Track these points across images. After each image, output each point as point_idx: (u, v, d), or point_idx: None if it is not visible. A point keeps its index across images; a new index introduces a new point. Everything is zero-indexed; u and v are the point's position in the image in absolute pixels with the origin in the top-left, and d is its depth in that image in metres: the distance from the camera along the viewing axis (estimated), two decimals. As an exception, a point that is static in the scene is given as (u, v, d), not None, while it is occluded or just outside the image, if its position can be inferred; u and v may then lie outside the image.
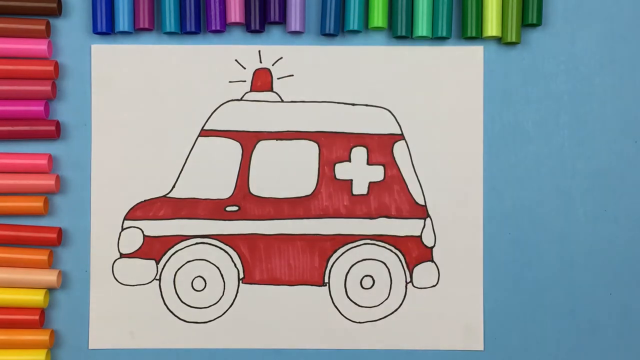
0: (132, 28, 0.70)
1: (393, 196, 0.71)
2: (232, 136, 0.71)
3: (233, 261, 0.71)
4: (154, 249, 0.71)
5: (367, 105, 0.72)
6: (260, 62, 0.71)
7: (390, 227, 0.71)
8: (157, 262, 0.71)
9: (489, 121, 0.72)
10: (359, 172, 0.72)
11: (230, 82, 0.71)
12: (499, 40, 0.71)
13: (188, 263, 0.71)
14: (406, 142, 0.72)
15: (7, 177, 0.70)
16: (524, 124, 0.72)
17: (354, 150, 0.72)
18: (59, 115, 0.71)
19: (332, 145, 0.72)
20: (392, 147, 0.72)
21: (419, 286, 0.72)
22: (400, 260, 0.72)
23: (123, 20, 0.69)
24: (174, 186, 0.71)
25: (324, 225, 0.71)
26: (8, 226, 0.70)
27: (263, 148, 0.71)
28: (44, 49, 0.69)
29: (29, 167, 0.70)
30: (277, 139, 0.71)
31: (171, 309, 0.71)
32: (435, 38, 0.71)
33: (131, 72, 0.71)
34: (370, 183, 0.72)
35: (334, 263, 0.71)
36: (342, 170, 0.72)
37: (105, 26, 0.70)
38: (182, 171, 0.71)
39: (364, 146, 0.72)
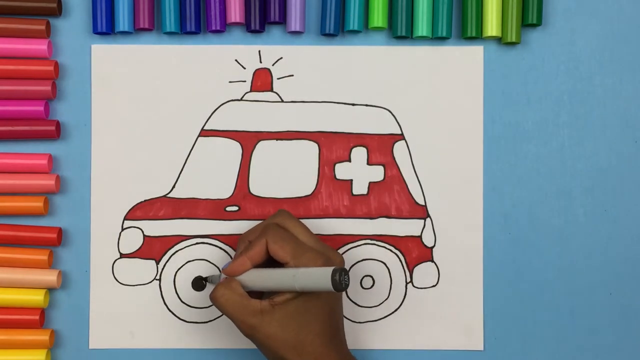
0: (132, 28, 0.70)
1: (393, 196, 0.71)
2: (232, 136, 0.71)
3: (233, 261, 0.71)
4: (154, 249, 0.71)
5: (367, 105, 0.72)
6: (260, 62, 0.71)
7: (390, 227, 0.71)
8: (157, 262, 0.71)
9: (489, 121, 0.72)
10: (359, 172, 0.72)
11: (230, 82, 0.71)
12: (499, 40, 0.71)
13: (188, 263, 0.71)
14: (406, 142, 0.72)
15: (7, 177, 0.70)
16: (524, 124, 0.72)
17: (354, 150, 0.72)
18: (59, 115, 0.71)
19: (332, 145, 0.72)
20: (392, 147, 0.72)
21: (419, 286, 0.72)
22: (400, 260, 0.72)
23: (123, 20, 0.69)
24: (174, 186, 0.71)
25: (324, 225, 0.71)
26: (8, 226, 0.70)
27: (263, 148, 0.71)
28: (44, 49, 0.69)
29: (29, 167, 0.70)
30: (277, 139, 0.71)
31: (171, 309, 0.71)
32: (435, 38, 0.71)
33: (131, 72, 0.71)
34: (370, 183, 0.72)
35: (334, 263, 0.71)
36: (342, 170, 0.72)
37: (105, 26, 0.70)
38: (182, 171, 0.71)
39: (364, 146, 0.72)
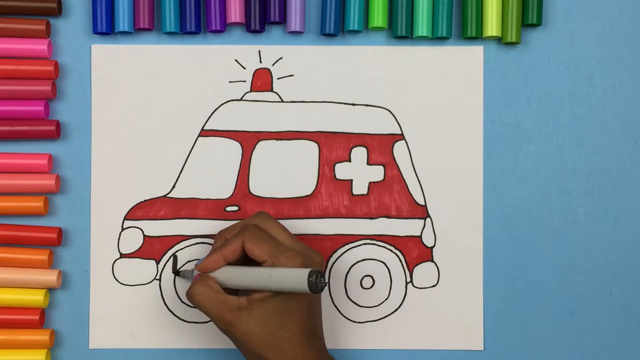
0: (132, 28, 0.70)
1: (393, 196, 0.71)
2: (232, 136, 0.71)
3: (233, 261, 0.71)
4: (154, 249, 0.71)
5: (367, 105, 0.72)
6: (260, 62, 0.71)
7: (390, 227, 0.71)
8: (157, 262, 0.71)
9: (489, 121, 0.72)
10: (359, 172, 0.72)
11: (230, 82, 0.71)
12: (499, 40, 0.71)
13: (188, 263, 0.71)
14: (406, 142, 0.72)
15: (7, 177, 0.70)
16: (524, 124, 0.72)
17: (354, 150, 0.72)
18: (59, 115, 0.71)
19: (332, 145, 0.72)
20: (392, 147, 0.72)
21: (419, 286, 0.72)
22: (400, 260, 0.72)
23: (123, 20, 0.69)
24: (174, 186, 0.71)
25: (324, 225, 0.71)
26: (8, 226, 0.70)
27: (263, 148, 0.71)
28: (44, 49, 0.69)
29: (29, 167, 0.70)
30: (277, 139, 0.71)
31: (171, 309, 0.71)
32: (435, 38, 0.71)
33: (131, 72, 0.71)
34: (370, 183, 0.72)
35: (334, 263, 0.71)
36: (342, 170, 0.72)
37: (105, 26, 0.70)
38: (182, 171, 0.71)
39: (364, 146, 0.72)
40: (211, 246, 0.71)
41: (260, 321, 0.62)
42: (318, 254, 0.65)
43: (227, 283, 0.64)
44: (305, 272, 0.59)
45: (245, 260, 0.64)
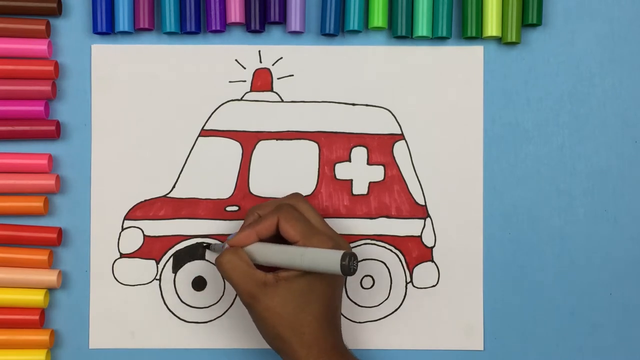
0: (132, 28, 0.70)
1: (393, 196, 0.71)
2: (232, 136, 0.71)
3: (233, 261, 0.71)
4: (154, 249, 0.71)
5: (367, 105, 0.72)
6: (260, 62, 0.71)
7: (390, 227, 0.71)
8: (157, 262, 0.71)
9: (489, 121, 0.72)
10: (359, 172, 0.72)
11: (230, 82, 0.71)
12: (499, 40, 0.71)
13: (188, 263, 0.71)
14: (406, 142, 0.72)
15: (7, 177, 0.70)
16: (524, 124, 0.72)
17: (354, 150, 0.72)
18: (59, 115, 0.71)
19: (332, 145, 0.72)
20: (392, 147, 0.72)
21: (419, 286, 0.72)
22: (400, 260, 0.72)
23: (123, 20, 0.69)
24: (174, 186, 0.71)
25: (324, 225, 0.71)
26: (8, 226, 0.70)
27: (263, 148, 0.71)
28: (44, 49, 0.69)
29: (29, 167, 0.70)
30: (277, 139, 0.71)
31: (171, 309, 0.71)
32: (435, 38, 0.71)
33: (131, 72, 0.71)
34: (370, 183, 0.72)
35: (334, 263, 0.71)
36: (342, 170, 0.72)
37: (105, 26, 0.70)
38: (182, 171, 0.71)
39: (364, 146, 0.72)
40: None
41: (283, 299, 0.62)
42: (347, 243, 0.65)
43: (258, 259, 0.64)
44: (339, 253, 0.59)
45: (276, 239, 0.64)
